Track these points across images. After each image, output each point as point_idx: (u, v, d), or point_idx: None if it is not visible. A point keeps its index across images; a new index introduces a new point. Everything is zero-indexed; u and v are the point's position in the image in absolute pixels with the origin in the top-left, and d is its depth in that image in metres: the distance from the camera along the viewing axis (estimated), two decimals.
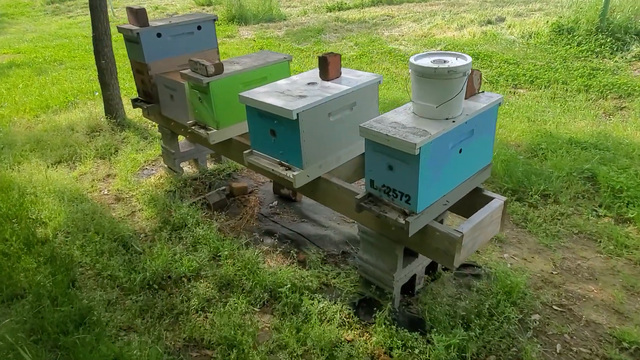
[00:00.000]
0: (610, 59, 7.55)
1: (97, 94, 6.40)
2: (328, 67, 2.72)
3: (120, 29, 3.58)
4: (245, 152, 2.79)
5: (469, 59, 2.05)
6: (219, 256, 3.02)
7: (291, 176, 2.51)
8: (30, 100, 6.21)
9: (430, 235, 2.17)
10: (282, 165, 2.63)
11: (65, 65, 8.49)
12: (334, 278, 2.77)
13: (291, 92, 2.62)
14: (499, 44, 8.75)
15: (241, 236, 3.24)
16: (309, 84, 2.74)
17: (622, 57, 7.51)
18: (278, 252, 3.06)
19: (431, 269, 2.81)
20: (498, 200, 2.36)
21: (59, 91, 6.61)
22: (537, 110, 5.84)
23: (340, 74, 2.83)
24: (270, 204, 3.65)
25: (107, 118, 5.25)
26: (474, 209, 2.43)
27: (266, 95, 2.59)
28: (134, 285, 2.74)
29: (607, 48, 7.75)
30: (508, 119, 5.48)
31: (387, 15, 12.61)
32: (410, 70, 2.14)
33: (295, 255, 3.00)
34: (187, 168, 4.27)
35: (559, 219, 3.29)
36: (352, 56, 8.88)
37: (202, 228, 3.25)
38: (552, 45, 8.33)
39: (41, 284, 2.69)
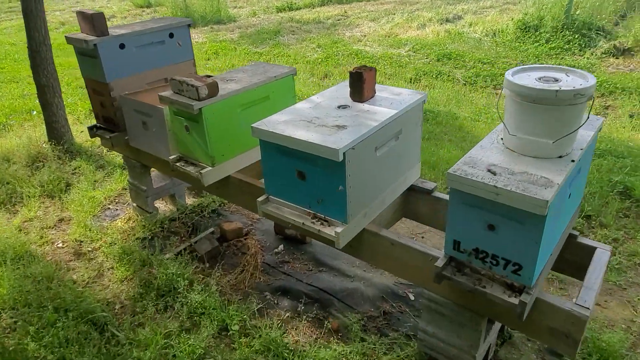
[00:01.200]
0: (580, 55, 7.44)
1: (34, 112, 5.44)
2: (363, 85, 2.13)
3: (70, 40, 2.79)
4: (259, 199, 2.13)
5: (591, 77, 1.52)
6: (226, 330, 2.35)
7: (333, 234, 1.89)
8: None
9: (543, 312, 1.63)
10: (315, 217, 2.00)
11: None
12: (386, 354, 2.17)
13: (322, 120, 1.99)
14: (467, 43, 8.49)
15: (250, 298, 2.57)
16: (339, 107, 2.13)
17: (592, 54, 7.42)
18: (302, 319, 2.43)
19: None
20: (604, 251, 1.86)
21: None
22: None
23: (375, 92, 2.24)
24: (275, 249, 2.99)
25: (50, 144, 4.36)
26: (569, 262, 1.93)
27: (290, 126, 1.96)
28: None
29: (576, 45, 7.66)
30: None
31: (342, 15, 12.17)
32: (506, 92, 1.59)
33: (324, 320, 2.38)
34: (161, 205, 3.52)
35: (614, 247, 2.88)
36: (317, 59, 8.31)
37: (197, 291, 2.55)
38: (520, 43, 8.15)
39: None
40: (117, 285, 2.74)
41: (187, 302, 2.49)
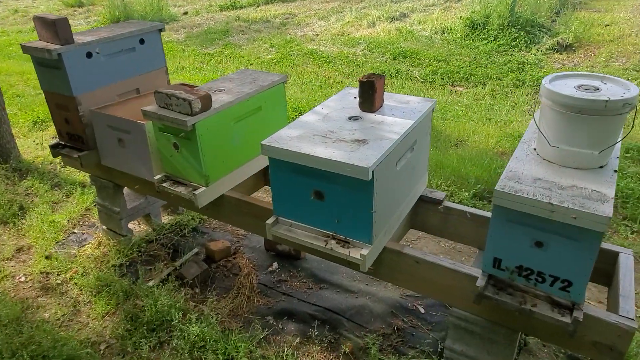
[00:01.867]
0: (527, 51, 7.73)
1: None
2: (374, 95, 2.01)
3: (27, 49, 2.47)
4: (268, 221, 1.96)
5: (633, 85, 1.49)
6: None
7: (359, 256, 1.77)
8: None
9: (587, 327, 1.59)
10: (334, 239, 1.86)
11: None
12: None
13: (337, 134, 1.86)
14: (419, 41, 8.60)
15: (253, 325, 2.38)
16: (350, 118, 2.00)
17: (538, 50, 7.73)
18: (313, 344, 2.28)
19: None
20: (627, 256, 1.86)
21: None
22: (487, 109, 5.66)
23: (383, 101, 2.13)
24: (270, 268, 2.82)
25: None
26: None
27: (305, 142, 1.80)
28: None
29: (522, 41, 7.95)
30: (471, 122, 5.19)
31: (289, 14, 12.01)
32: (546, 102, 1.52)
33: (337, 343, 2.25)
34: (135, 226, 3.23)
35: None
36: (272, 60, 8.13)
37: (193, 322, 2.34)
38: (470, 40, 8.36)
39: None
40: (98, 322, 2.46)
41: (184, 336, 2.27)
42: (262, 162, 2.54)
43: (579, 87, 1.52)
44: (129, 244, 2.96)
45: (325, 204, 1.82)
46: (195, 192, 2.21)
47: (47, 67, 2.50)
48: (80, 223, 3.32)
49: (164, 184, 2.32)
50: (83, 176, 3.88)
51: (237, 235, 3.14)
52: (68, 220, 3.30)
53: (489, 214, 2.13)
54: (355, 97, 2.20)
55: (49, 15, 2.43)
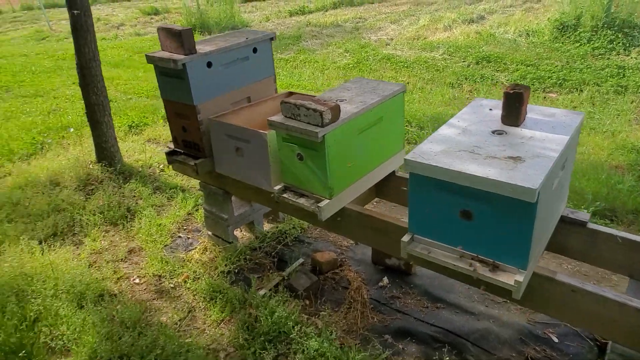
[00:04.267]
0: (626, 55, 7.18)
1: (71, 130, 5.18)
2: (522, 107, 1.86)
3: (151, 59, 2.52)
4: (404, 239, 1.87)
5: None
6: None
7: (512, 282, 1.63)
8: None
9: None
10: (479, 261, 1.74)
11: (13, 92, 7.06)
12: None
13: (485, 150, 1.73)
14: (502, 45, 8.23)
15: (372, 344, 2.30)
16: (494, 132, 1.86)
17: (639, 54, 7.15)
18: None
19: None
20: None
21: (19, 129, 5.30)
22: (587, 118, 5.27)
23: (526, 113, 1.98)
24: (380, 283, 2.73)
25: (101, 165, 4.10)
26: None
27: (453, 158, 1.69)
28: None
29: (620, 44, 7.39)
30: None
31: (360, 18, 11.95)
32: None
33: None
34: (238, 233, 3.25)
35: None
36: (348, 64, 8.08)
37: (310, 336, 2.28)
38: (559, 43, 7.89)
39: None
40: (214, 329, 2.47)
41: (304, 350, 2.22)
42: (379, 174, 2.46)
43: None
44: (235, 251, 2.98)
45: (472, 225, 1.70)
46: (319, 205, 2.16)
47: (171, 76, 2.55)
48: (184, 227, 3.39)
49: (285, 195, 2.29)
50: (181, 180, 3.98)
51: (341, 247, 3.07)
52: (173, 224, 3.38)
53: None
54: (490, 109, 2.06)
55: (174, 27, 2.48)
